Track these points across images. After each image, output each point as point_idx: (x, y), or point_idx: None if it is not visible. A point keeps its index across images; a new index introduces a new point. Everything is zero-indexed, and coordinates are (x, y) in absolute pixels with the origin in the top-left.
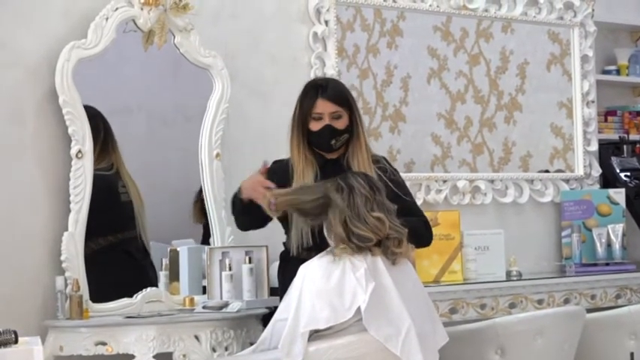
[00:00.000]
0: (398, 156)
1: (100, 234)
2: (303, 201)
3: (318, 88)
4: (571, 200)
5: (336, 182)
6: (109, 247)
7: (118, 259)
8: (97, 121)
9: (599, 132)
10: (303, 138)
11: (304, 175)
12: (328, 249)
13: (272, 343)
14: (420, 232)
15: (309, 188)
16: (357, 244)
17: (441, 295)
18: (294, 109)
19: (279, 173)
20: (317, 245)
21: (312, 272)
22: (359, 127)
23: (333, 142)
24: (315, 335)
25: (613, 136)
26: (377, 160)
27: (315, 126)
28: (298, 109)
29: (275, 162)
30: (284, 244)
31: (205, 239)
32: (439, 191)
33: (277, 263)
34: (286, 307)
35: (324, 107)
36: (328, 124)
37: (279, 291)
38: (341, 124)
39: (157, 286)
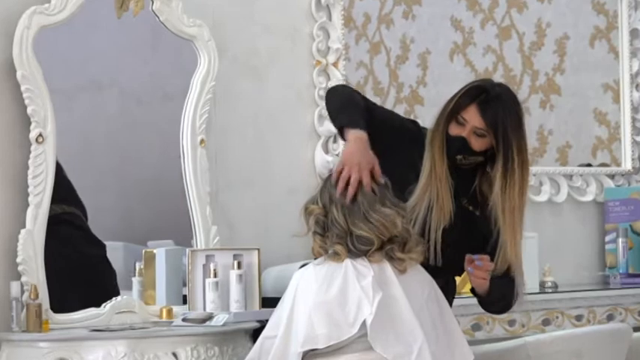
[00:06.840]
0: None
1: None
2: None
3: (482, 94)
4: (617, 199)
5: None
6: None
7: (66, 232)
8: None
9: None
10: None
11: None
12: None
13: None
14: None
15: None
16: (356, 247)
17: (463, 309)
18: (454, 94)
19: (408, 136)
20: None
21: (307, 281)
22: (513, 163)
23: (459, 157)
24: (310, 353)
25: None
26: None
27: (453, 129)
28: (454, 102)
29: (415, 121)
30: None
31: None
32: None
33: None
34: (277, 321)
35: (471, 117)
36: (464, 137)
37: None
38: (479, 144)
39: (114, 284)
